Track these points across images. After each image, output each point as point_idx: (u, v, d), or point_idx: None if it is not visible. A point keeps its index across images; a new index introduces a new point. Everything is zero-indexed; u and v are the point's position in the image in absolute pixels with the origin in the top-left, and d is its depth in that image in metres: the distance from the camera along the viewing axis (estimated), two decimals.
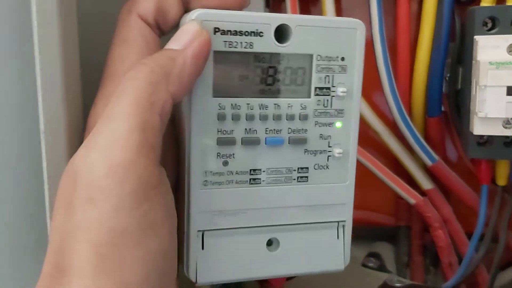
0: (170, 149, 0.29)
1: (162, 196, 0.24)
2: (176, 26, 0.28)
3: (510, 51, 0.36)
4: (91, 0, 0.32)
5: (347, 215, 0.31)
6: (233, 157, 0.28)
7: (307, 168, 0.29)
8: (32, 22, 0.25)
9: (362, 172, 0.43)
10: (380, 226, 0.49)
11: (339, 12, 0.45)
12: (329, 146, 0.30)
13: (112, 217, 0.22)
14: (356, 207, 0.47)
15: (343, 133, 0.30)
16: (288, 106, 0.28)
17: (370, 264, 0.46)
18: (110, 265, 0.21)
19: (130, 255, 0.22)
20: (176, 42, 0.25)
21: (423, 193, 0.44)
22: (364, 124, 0.43)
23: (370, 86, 0.45)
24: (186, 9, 0.28)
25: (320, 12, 0.43)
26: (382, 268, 0.46)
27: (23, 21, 0.27)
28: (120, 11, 0.28)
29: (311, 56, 0.28)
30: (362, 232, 0.48)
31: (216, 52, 0.27)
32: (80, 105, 0.29)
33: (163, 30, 0.28)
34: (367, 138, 0.45)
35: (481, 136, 0.38)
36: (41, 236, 0.25)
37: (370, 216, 0.49)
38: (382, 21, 0.41)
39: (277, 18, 0.27)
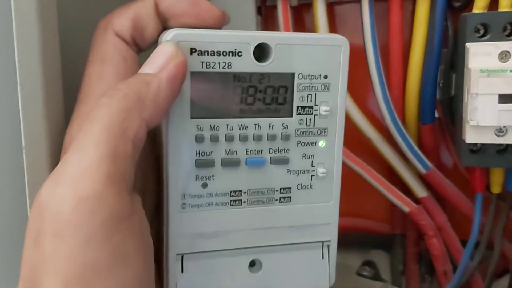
0: (151, 171, 0.29)
1: (134, 226, 0.23)
2: (154, 43, 0.28)
3: (501, 59, 0.35)
4: (73, 16, 0.31)
5: (332, 235, 0.30)
6: (213, 179, 0.27)
7: (290, 188, 0.29)
8: (13, 34, 0.25)
9: (356, 179, 0.43)
10: (375, 233, 0.49)
11: (331, 19, 0.45)
12: (312, 166, 0.29)
13: (81, 251, 0.21)
14: (351, 214, 0.47)
15: (327, 152, 0.29)
16: (269, 126, 0.28)
17: (365, 273, 0.46)
18: None
19: None
20: (151, 65, 0.25)
21: (417, 201, 0.44)
22: (357, 131, 0.43)
23: (363, 93, 0.45)
24: (164, 27, 0.28)
25: (312, 20, 0.42)
26: (377, 276, 0.46)
27: (4, 33, 0.27)
28: (95, 29, 0.28)
29: (292, 74, 0.27)
30: (357, 240, 0.48)
31: (193, 73, 0.26)
32: (62, 119, 0.28)
33: (141, 47, 0.28)
34: (360, 146, 0.44)
35: (474, 144, 0.38)
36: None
37: (364, 223, 0.49)
38: (374, 28, 0.41)
39: (256, 37, 0.27)
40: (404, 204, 0.43)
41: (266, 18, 0.45)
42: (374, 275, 0.46)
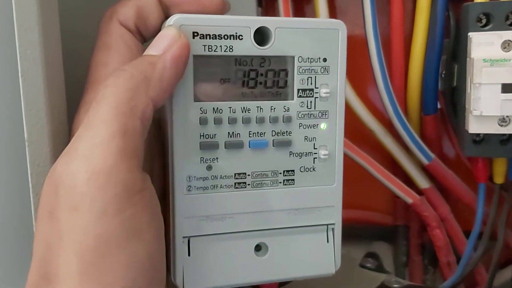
0: (157, 157, 0.29)
1: (146, 201, 0.23)
2: (157, 32, 0.28)
3: (504, 48, 0.35)
4: (73, 10, 0.31)
5: (336, 218, 0.30)
6: (217, 161, 0.28)
7: (293, 170, 0.29)
8: (15, 30, 0.25)
9: (358, 171, 0.43)
10: (377, 225, 0.48)
11: (332, 10, 0.44)
12: (315, 148, 0.29)
13: (96, 223, 0.21)
14: (354, 206, 0.47)
15: (328, 135, 0.30)
16: (271, 109, 0.28)
17: (368, 265, 0.45)
18: (96, 272, 0.21)
19: (115, 261, 0.22)
20: (155, 48, 0.25)
21: (420, 192, 0.44)
22: (359, 123, 0.43)
23: (365, 85, 0.45)
24: (167, 16, 0.28)
25: (313, 11, 0.42)
26: (380, 268, 0.46)
27: (5, 30, 0.27)
28: (101, 19, 0.28)
29: (292, 58, 0.28)
30: (360, 232, 0.48)
31: (195, 57, 0.26)
32: (65, 111, 0.28)
33: (145, 36, 0.29)
34: (362, 137, 0.44)
35: (477, 134, 0.37)
36: (27, 245, 0.25)
37: (367, 215, 0.48)
38: (376, 19, 0.41)
39: (256, 21, 0.27)
40: (407, 196, 0.43)
41: (267, 10, 0.44)
42: (377, 267, 0.45)
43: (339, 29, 0.29)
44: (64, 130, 0.28)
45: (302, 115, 0.29)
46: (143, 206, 0.23)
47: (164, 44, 0.25)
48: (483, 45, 0.35)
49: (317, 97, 0.29)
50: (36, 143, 0.26)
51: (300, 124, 0.29)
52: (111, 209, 0.22)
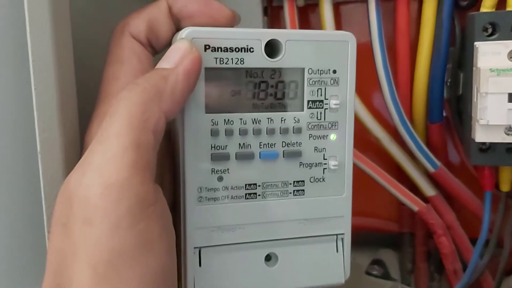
0: (167, 169, 0.29)
1: (158, 214, 0.24)
2: (168, 45, 0.29)
3: (510, 57, 0.35)
4: (86, 22, 0.32)
5: (345, 228, 0.31)
6: (228, 172, 0.28)
7: (303, 181, 0.30)
8: (27, 38, 0.25)
9: (364, 178, 0.43)
10: (383, 232, 0.49)
11: (337, 18, 0.45)
12: (324, 159, 0.30)
13: (109, 236, 0.22)
14: (360, 213, 0.47)
15: (338, 145, 0.30)
16: (282, 120, 0.29)
17: (374, 272, 0.46)
18: (109, 284, 0.21)
19: (128, 273, 0.22)
20: (167, 61, 0.26)
21: (426, 199, 0.44)
22: (365, 131, 0.43)
23: (371, 93, 0.45)
24: (178, 28, 0.28)
25: (319, 20, 0.42)
26: (386, 275, 0.46)
27: (19, 44, 0.27)
28: (113, 32, 0.29)
29: (302, 69, 0.29)
30: (366, 239, 0.48)
31: (207, 69, 0.27)
32: (77, 124, 0.29)
33: (156, 49, 0.29)
34: (368, 145, 0.44)
35: (483, 143, 0.38)
36: (39, 257, 0.25)
37: (373, 222, 0.48)
38: (381, 27, 0.41)
39: (267, 34, 0.28)
40: (413, 203, 0.43)
41: (273, 19, 0.45)
42: (383, 274, 0.46)
43: (349, 41, 0.29)
44: (76, 142, 0.28)
45: (312, 126, 0.29)
46: (155, 218, 0.23)
47: (177, 57, 0.25)
48: (489, 54, 0.36)
49: (327, 108, 0.29)
50: (49, 155, 0.26)
51: (310, 135, 0.29)
52: (125, 222, 0.22)
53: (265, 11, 0.43)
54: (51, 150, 0.26)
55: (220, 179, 0.28)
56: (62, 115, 0.26)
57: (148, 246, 0.23)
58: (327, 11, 0.42)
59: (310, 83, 0.29)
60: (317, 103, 0.29)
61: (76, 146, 0.28)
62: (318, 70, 0.29)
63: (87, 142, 0.27)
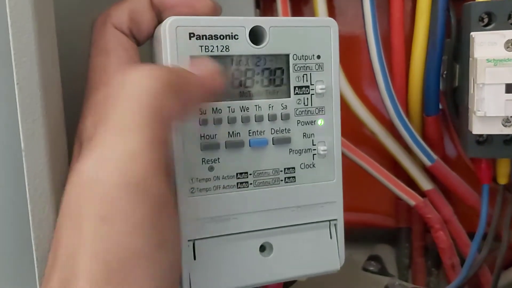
0: None
1: (172, 211, 0.23)
2: (150, 36, 0.29)
3: (507, 47, 0.35)
4: (68, 11, 0.31)
5: (338, 214, 0.31)
6: (218, 162, 0.28)
7: (294, 168, 0.30)
8: (10, 37, 0.24)
9: (360, 173, 0.42)
10: (380, 228, 0.48)
11: (331, 10, 0.44)
12: (313, 144, 0.30)
13: (129, 237, 0.21)
14: (356, 209, 0.47)
15: (326, 130, 0.30)
16: (269, 107, 0.29)
17: (371, 268, 0.45)
18: (121, 281, 0.21)
19: (142, 272, 0.21)
20: (195, 68, 0.26)
21: (422, 194, 0.43)
22: (360, 125, 0.42)
23: (365, 86, 0.45)
24: (159, 20, 0.29)
25: (312, 12, 0.42)
26: (383, 271, 0.45)
27: (0, 38, 0.26)
28: (94, 24, 0.28)
29: (287, 56, 0.29)
30: (362, 235, 0.47)
31: (193, 57, 0.27)
32: (62, 120, 0.28)
33: (138, 40, 0.29)
34: (364, 139, 0.44)
35: (481, 135, 0.37)
36: (24, 256, 0.24)
37: (369, 218, 0.48)
38: (376, 19, 0.40)
39: (251, 21, 0.28)
40: (410, 198, 0.43)
41: (265, 11, 0.44)
42: (380, 270, 0.45)
43: (331, 27, 0.29)
44: (61, 139, 0.27)
45: (300, 112, 0.29)
46: (171, 217, 0.23)
47: (205, 70, 0.26)
48: (486, 44, 0.35)
49: (313, 94, 0.30)
50: (33, 152, 0.25)
51: (298, 121, 0.29)
52: (147, 223, 0.21)
53: (257, 3, 0.43)
54: (35, 147, 0.25)
55: (211, 168, 0.28)
56: (47, 111, 0.25)
57: (163, 245, 0.22)
58: (320, 3, 0.41)
59: (296, 69, 0.29)
60: (303, 88, 0.29)
61: (61, 142, 0.27)
62: (302, 56, 0.29)
63: (83, 134, 0.27)
